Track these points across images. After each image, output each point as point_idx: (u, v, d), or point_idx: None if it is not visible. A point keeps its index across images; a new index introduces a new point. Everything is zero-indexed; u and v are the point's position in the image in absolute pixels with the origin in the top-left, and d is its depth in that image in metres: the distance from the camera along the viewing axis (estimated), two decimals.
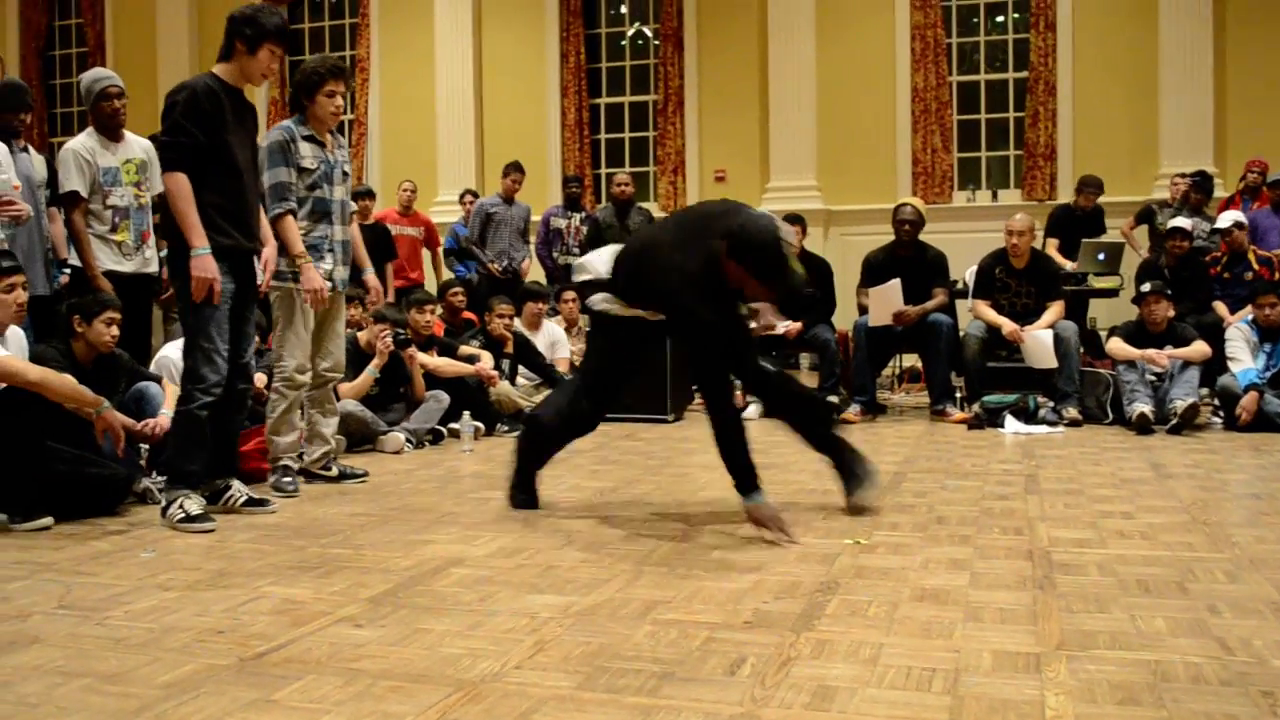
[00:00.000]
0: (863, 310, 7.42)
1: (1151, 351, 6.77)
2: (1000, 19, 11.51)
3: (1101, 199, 9.27)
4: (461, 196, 10.75)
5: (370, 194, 9.47)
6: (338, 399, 5.55)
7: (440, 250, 10.12)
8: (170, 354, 5.27)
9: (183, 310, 4.20)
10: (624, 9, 12.57)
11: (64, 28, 14.44)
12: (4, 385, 4.06)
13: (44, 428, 4.09)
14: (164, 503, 4.12)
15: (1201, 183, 8.99)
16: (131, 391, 4.72)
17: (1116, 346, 6.90)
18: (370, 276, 5.30)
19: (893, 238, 7.51)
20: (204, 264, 4.05)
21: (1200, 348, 6.79)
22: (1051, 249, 8.85)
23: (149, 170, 5.49)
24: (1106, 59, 10.86)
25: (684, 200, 11.76)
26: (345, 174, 5.03)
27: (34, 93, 13.64)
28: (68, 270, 5.44)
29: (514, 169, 9.70)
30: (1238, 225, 7.95)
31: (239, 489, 4.34)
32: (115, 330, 4.64)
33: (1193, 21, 10.48)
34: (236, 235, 4.21)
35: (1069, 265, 8.63)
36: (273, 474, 4.82)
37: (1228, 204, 9.19)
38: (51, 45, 14.41)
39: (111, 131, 5.42)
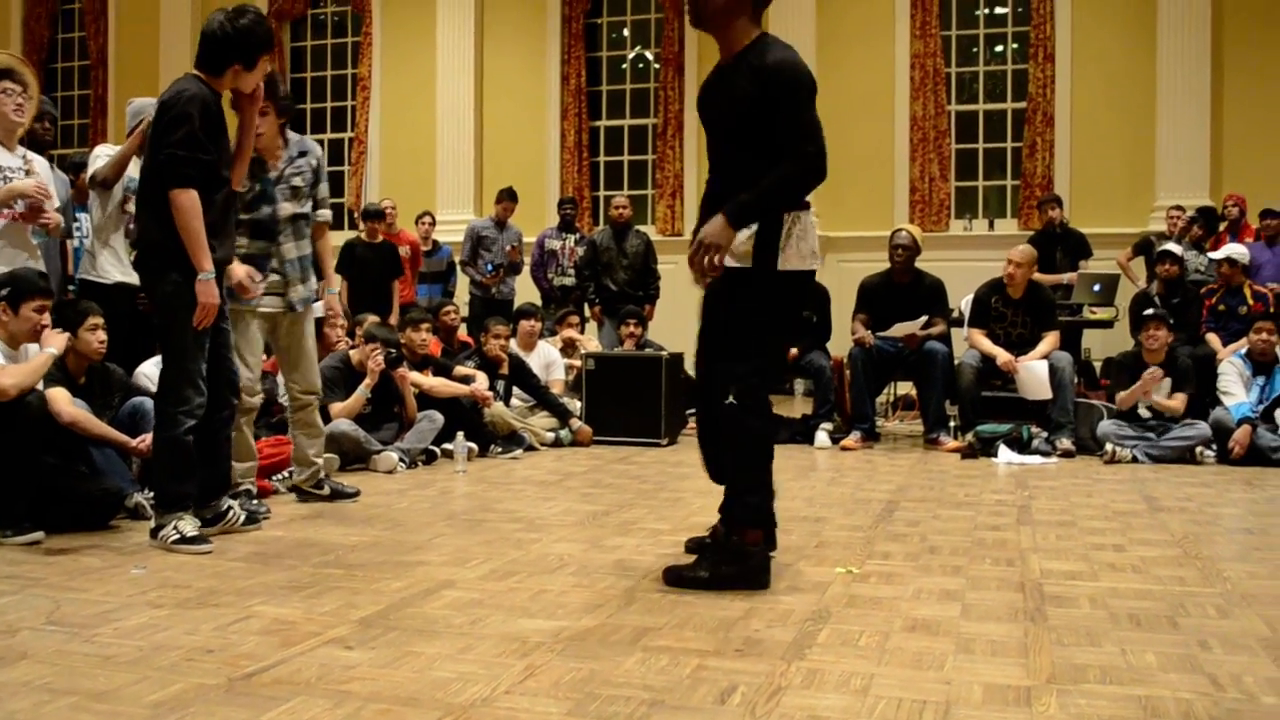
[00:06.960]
0: (856, 339, 7.42)
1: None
2: (1000, 49, 11.59)
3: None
4: (419, 218, 10.25)
5: (380, 215, 9.39)
6: (327, 420, 5.51)
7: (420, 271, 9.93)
8: (150, 372, 5.05)
9: (164, 328, 4.05)
10: (626, 33, 12.65)
11: (66, 41, 14.49)
12: None
13: (37, 441, 4.08)
14: (155, 524, 4.00)
15: (1206, 220, 9.00)
16: (126, 407, 4.71)
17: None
18: (331, 296, 5.31)
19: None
20: (211, 290, 3.97)
21: (1176, 402, 6.79)
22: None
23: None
24: (1105, 91, 10.93)
25: (682, 224, 11.78)
26: (295, 189, 4.79)
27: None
28: (72, 287, 5.45)
29: (506, 196, 9.75)
30: (1229, 261, 7.91)
31: (236, 509, 4.25)
32: (102, 335, 4.61)
33: (1190, 56, 10.57)
34: (223, 249, 4.12)
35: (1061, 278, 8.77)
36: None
37: (1217, 240, 9.19)
38: (54, 58, 14.45)
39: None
